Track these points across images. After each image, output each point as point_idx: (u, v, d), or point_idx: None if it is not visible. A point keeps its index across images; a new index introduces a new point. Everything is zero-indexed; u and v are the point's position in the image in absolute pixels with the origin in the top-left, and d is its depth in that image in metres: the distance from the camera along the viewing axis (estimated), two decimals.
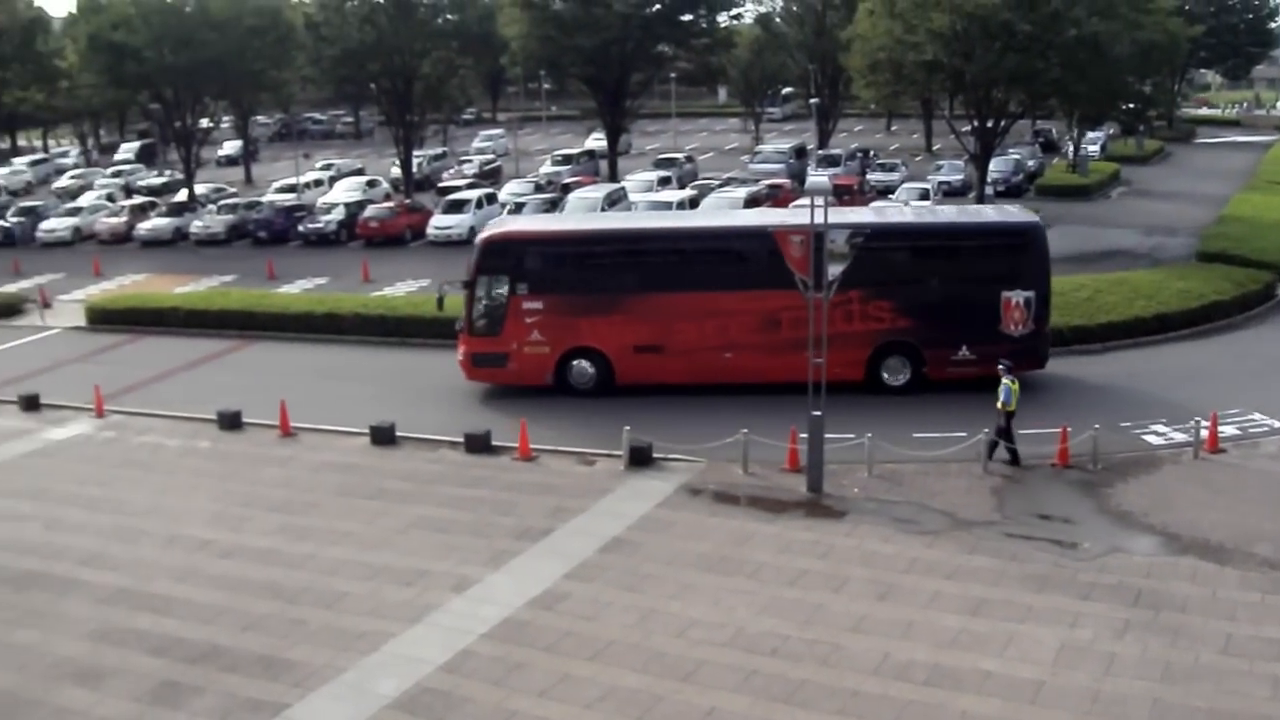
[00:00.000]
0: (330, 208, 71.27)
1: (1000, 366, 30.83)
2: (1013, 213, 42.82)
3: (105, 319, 50.79)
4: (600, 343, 37.68)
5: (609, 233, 41.79)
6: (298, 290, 54.64)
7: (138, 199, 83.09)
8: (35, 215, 78.00)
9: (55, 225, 75.49)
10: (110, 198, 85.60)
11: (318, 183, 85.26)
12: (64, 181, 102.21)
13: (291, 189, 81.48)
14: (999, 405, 30.19)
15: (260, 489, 30.44)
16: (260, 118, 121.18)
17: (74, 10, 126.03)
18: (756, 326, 36.79)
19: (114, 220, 75.11)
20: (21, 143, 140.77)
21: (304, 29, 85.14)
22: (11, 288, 59.15)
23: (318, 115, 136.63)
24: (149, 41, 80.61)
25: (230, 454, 33.59)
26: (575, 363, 37.97)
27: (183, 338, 47.08)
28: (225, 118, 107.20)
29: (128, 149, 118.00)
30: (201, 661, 21.19)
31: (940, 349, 36.66)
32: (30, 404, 39.38)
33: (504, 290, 37.85)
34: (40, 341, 49.34)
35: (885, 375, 37.16)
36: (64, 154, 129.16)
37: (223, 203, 77.15)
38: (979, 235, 38.53)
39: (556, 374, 38.04)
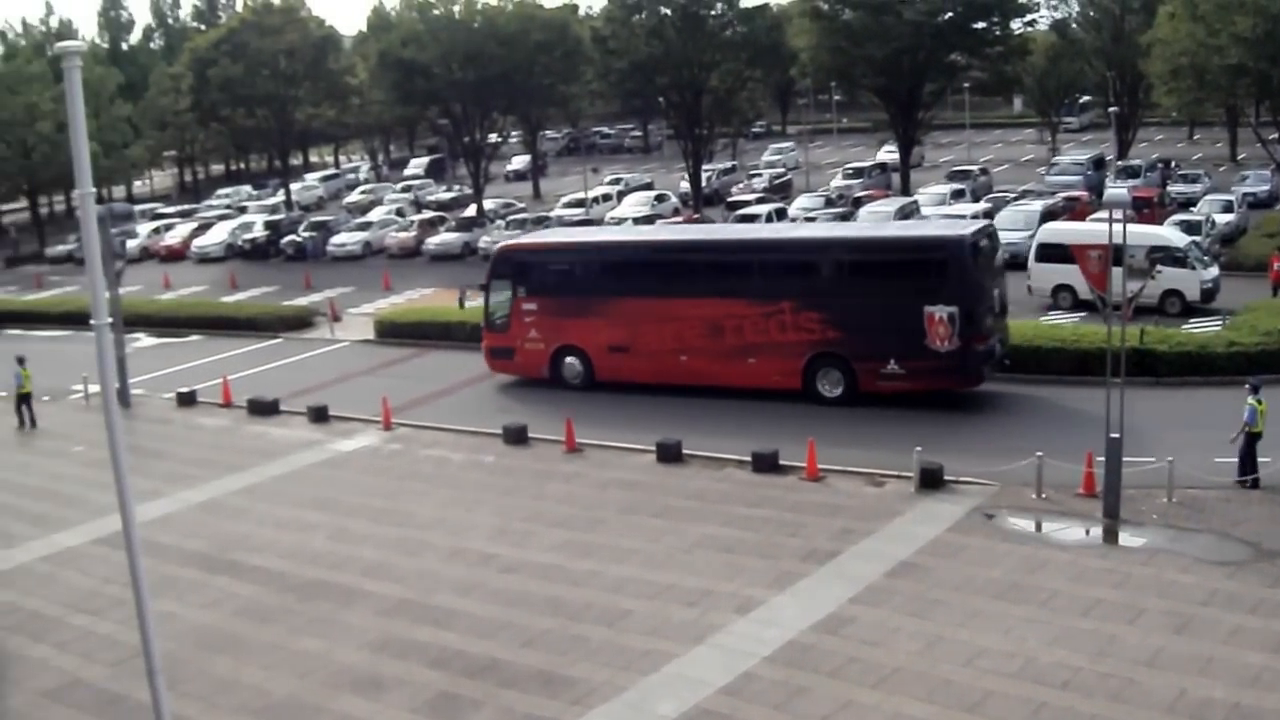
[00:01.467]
0: (618, 222, 72.17)
1: (1247, 385, 29.85)
2: (943, 226, 45.91)
3: (393, 332, 52.39)
4: (582, 342, 42.71)
5: (586, 244, 47.64)
6: None
7: (427, 214, 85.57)
8: (326, 230, 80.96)
9: (346, 240, 78.28)
10: (400, 213, 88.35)
11: (606, 197, 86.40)
12: (354, 197, 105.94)
13: (579, 204, 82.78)
14: (1244, 425, 29.14)
15: (544, 504, 30.93)
16: (548, 132, 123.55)
17: (364, 28, 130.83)
18: (704, 332, 40.28)
19: (403, 235, 77.54)
20: (313, 159, 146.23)
21: (591, 43, 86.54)
22: (302, 301, 61.43)
23: (606, 129, 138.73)
24: (437, 58, 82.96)
25: (515, 469, 34.24)
26: (566, 359, 43.05)
27: (469, 352, 48.06)
28: (514, 133, 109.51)
29: (417, 164, 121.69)
30: (480, 675, 21.61)
31: (869, 362, 37.98)
32: (319, 416, 40.83)
33: (509, 293, 43.90)
34: (329, 354, 51.11)
35: (820, 386, 39.02)
36: (354, 169, 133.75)
37: (511, 218, 78.83)
38: (901, 249, 39.97)
39: (551, 369, 43.38)
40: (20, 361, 44.23)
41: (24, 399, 43.98)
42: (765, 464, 32.09)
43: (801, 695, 20.15)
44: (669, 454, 33.58)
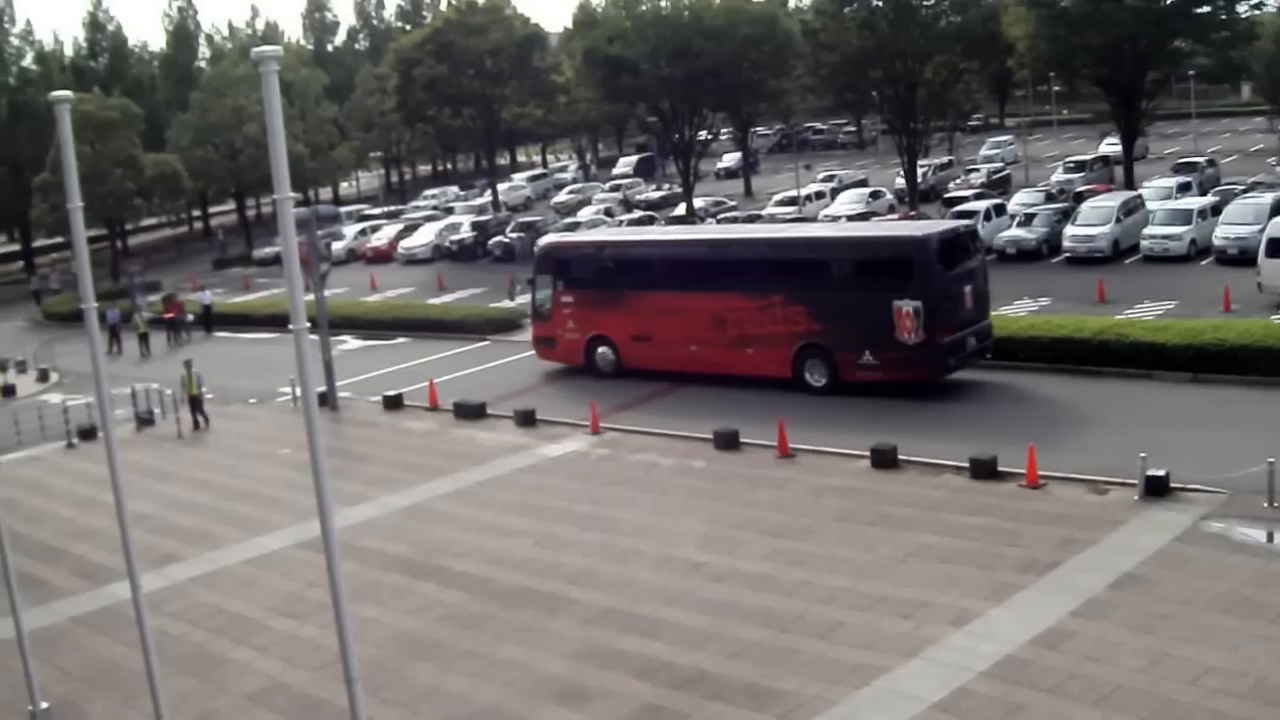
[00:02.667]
0: (834, 219, 71.80)
1: None
2: (913, 228, 48.89)
3: None
4: (611, 332, 47.31)
5: (612, 242, 54.12)
6: None
7: (636, 213, 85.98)
8: (534, 231, 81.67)
9: None
10: (609, 212, 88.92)
11: (819, 195, 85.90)
12: (562, 196, 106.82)
13: (792, 201, 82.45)
14: None
15: (755, 511, 30.82)
16: (759, 129, 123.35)
17: (569, 25, 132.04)
18: (710, 324, 44.39)
19: None
20: (520, 158, 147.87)
21: (801, 36, 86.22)
22: (509, 304, 62.07)
23: (819, 125, 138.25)
24: (644, 54, 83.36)
25: (726, 474, 34.18)
26: (599, 349, 47.69)
27: None
28: (724, 129, 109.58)
29: (626, 163, 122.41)
30: (687, 687, 21.57)
31: (848, 353, 41.52)
32: (526, 419, 41.23)
33: (550, 287, 48.97)
34: (537, 357, 51.64)
35: (807, 376, 42.70)
36: (562, 169, 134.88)
37: (722, 216, 78.88)
38: (872, 248, 43.66)
39: (585, 357, 48.18)
40: (187, 366, 46.32)
41: (194, 401, 45.94)
42: (983, 470, 31.58)
43: (1018, 713, 19.76)
44: (884, 460, 33.23)
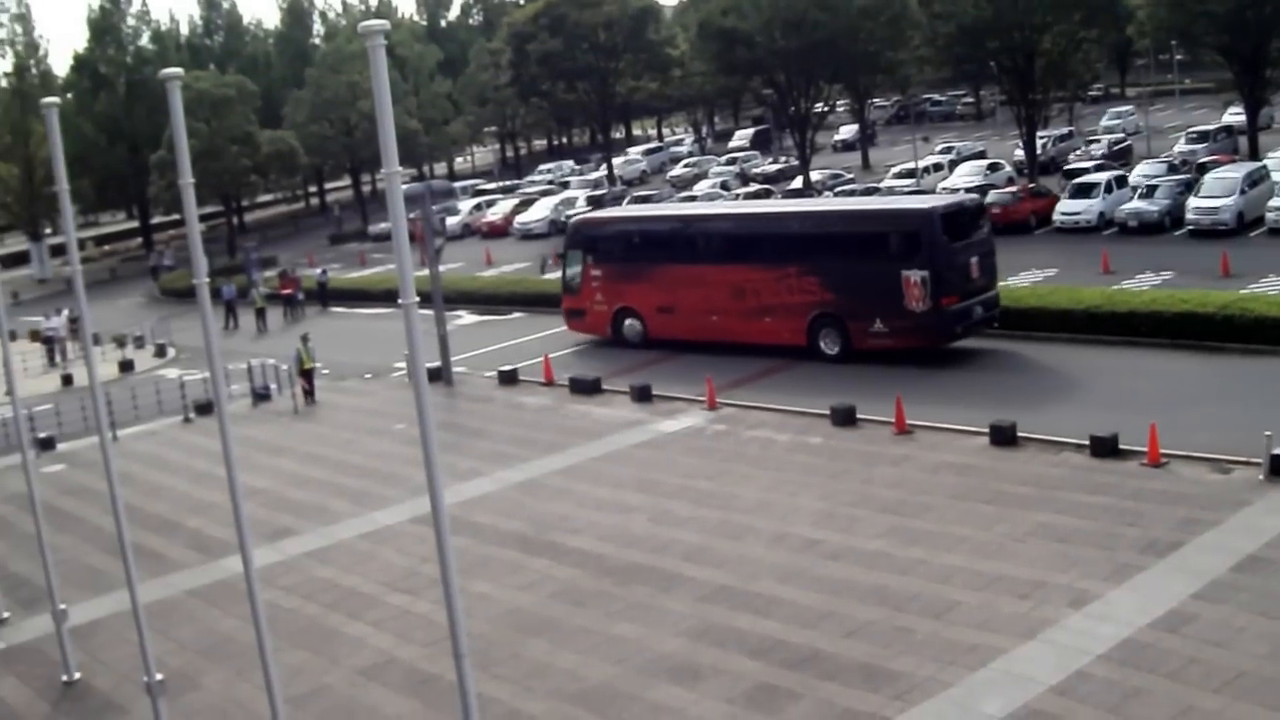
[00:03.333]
0: (950, 193, 71.26)
1: None
2: (911, 201, 53.88)
3: None
4: (637, 304, 49.83)
5: (638, 218, 57.10)
6: None
7: (753, 186, 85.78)
8: (651, 205, 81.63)
9: None
10: (725, 185, 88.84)
11: (937, 167, 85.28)
12: (678, 170, 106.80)
13: (910, 174, 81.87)
14: None
15: (872, 488, 30.66)
16: (876, 100, 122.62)
17: None
18: (729, 295, 46.72)
19: None
20: (636, 132, 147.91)
21: (918, 7, 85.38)
22: None
23: (936, 96, 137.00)
24: (759, 26, 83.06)
25: (842, 451, 34.01)
26: (626, 321, 50.33)
27: None
28: (840, 101, 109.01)
29: (742, 136, 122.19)
30: (800, 667, 21.51)
31: (859, 322, 43.71)
32: (642, 395, 41.27)
33: (580, 262, 51.42)
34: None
35: (822, 344, 44.86)
36: (678, 142, 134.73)
37: (839, 189, 78.47)
38: (882, 221, 46.01)
39: (613, 328, 50.84)
40: (303, 340, 47.03)
41: (307, 375, 46.65)
42: (1104, 448, 31.16)
43: (1137, 697, 19.50)
44: (1003, 437, 32.90)
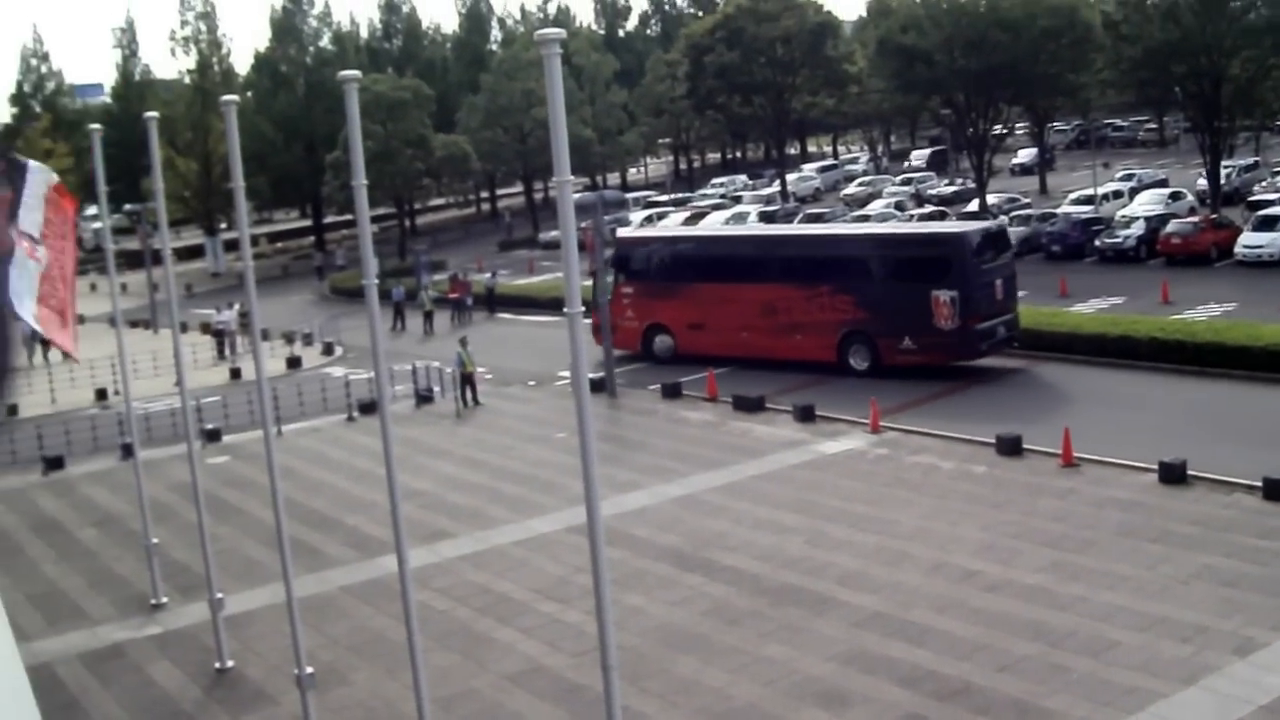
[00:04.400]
0: (1129, 221, 70.15)
1: None
2: (943, 225, 60.06)
3: None
4: (668, 320, 51.78)
5: (670, 238, 60.18)
6: (1090, 310, 54.11)
7: (928, 208, 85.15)
8: (822, 222, 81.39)
9: None
10: (899, 206, 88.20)
11: (1116, 194, 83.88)
12: (852, 189, 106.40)
13: (1088, 200, 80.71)
14: None
15: (1035, 521, 30.27)
16: (1056, 124, 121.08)
17: (864, 14, 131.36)
18: (761, 312, 48.88)
19: None
20: (811, 148, 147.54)
21: (1102, 29, 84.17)
22: None
23: (1118, 121, 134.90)
24: (938, 44, 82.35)
25: (1006, 481, 33.64)
26: (657, 337, 52.27)
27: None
28: (1019, 124, 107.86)
29: (918, 156, 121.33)
30: (952, 699, 21.29)
31: (889, 339, 46.42)
32: (805, 414, 41.16)
33: (611, 278, 52.39)
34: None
35: (851, 360, 47.38)
36: (853, 160, 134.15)
37: (1015, 213, 77.67)
38: (916, 244, 49.79)
39: (643, 344, 52.69)
40: (463, 344, 47.78)
41: (467, 379, 47.22)
42: (1278, 491, 30.54)
43: None
44: (1172, 474, 32.29)
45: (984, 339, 45.97)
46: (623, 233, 63.54)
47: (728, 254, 53.24)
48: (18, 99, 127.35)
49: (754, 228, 75.21)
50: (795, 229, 69.63)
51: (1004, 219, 60.45)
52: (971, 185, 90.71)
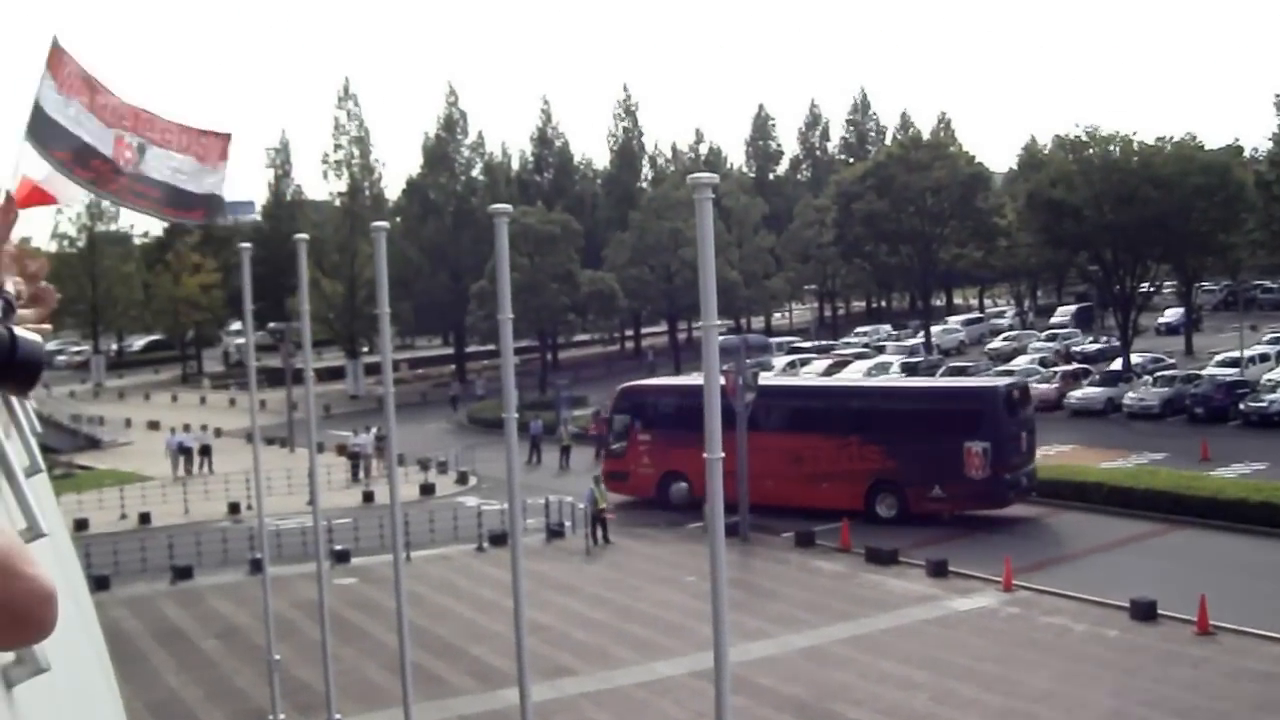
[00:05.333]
0: (1275, 385, 69.14)
1: None
2: (975, 380, 63.94)
3: None
4: (686, 467, 50.04)
5: (685, 387, 56.04)
6: (1233, 474, 53.17)
7: (1071, 365, 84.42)
8: (965, 376, 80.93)
9: None
10: (1044, 362, 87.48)
11: (1263, 357, 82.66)
12: (997, 343, 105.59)
13: (1234, 363, 79.65)
14: None
15: (1166, 689, 29.68)
16: (1204, 283, 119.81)
17: (1014, 166, 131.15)
18: (785, 460, 49.79)
19: (1045, 386, 76.67)
20: (957, 300, 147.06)
21: (1254, 188, 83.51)
22: None
23: (1267, 283, 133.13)
24: (1088, 199, 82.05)
25: (1139, 646, 33.04)
26: (675, 484, 52.16)
27: (1103, 515, 47.18)
28: (1167, 282, 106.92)
29: (1064, 312, 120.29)
30: None
31: (918, 487, 48.10)
32: (938, 569, 40.81)
33: (626, 425, 55.03)
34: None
35: (878, 508, 48.73)
36: (999, 314, 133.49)
37: (1159, 374, 76.82)
38: (949, 398, 52.99)
39: (658, 490, 53.30)
40: (597, 481, 48.91)
41: (598, 517, 47.63)
42: None
43: None
44: None
45: (1012, 487, 48.27)
46: (638, 382, 65.72)
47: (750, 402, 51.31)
48: None
49: (779, 378, 74.28)
50: (828, 381, 72.41)
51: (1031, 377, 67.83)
52: (1116, 343, 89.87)
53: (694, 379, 69.97)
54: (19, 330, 4.02)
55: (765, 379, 71.90)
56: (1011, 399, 49.83)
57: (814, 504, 49.11)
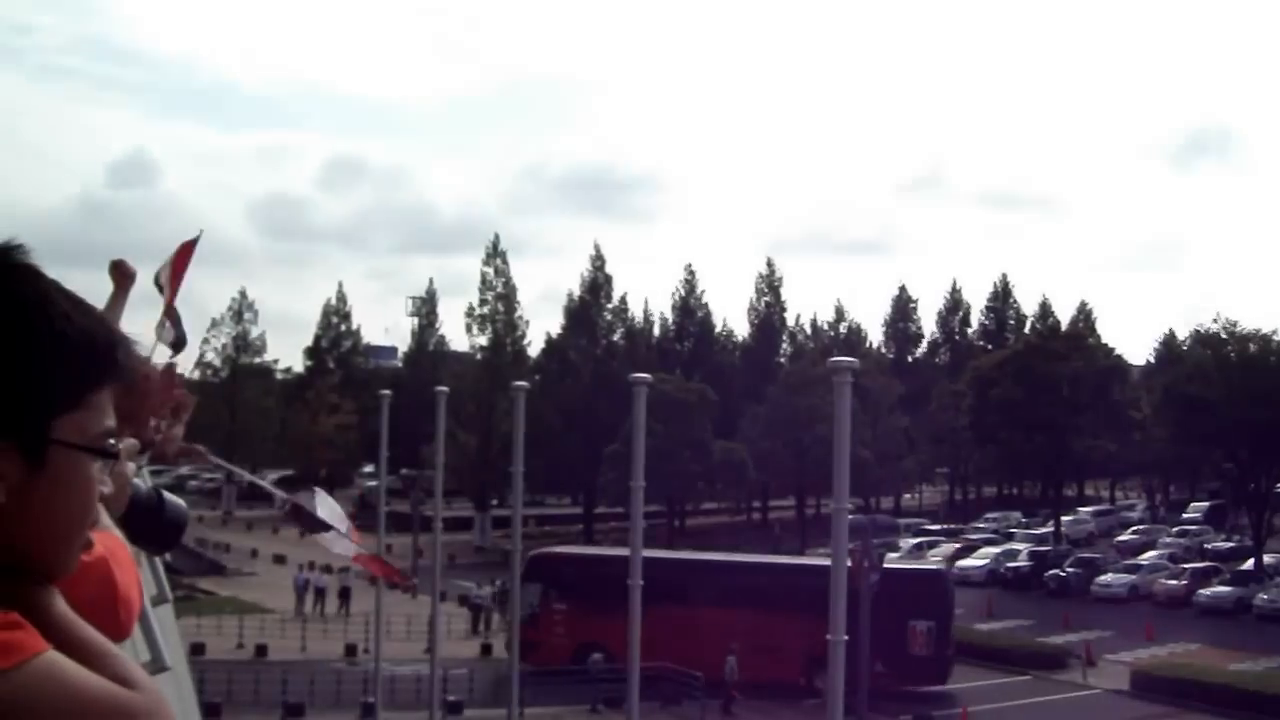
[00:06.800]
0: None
1: None
2: (923, 564, 69.33)
3: (1150, 686, 50.65)
4: (603, 638, 48.22)
5: (596, 557, 61.02)
6: None
7: (1202, 562, 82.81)
8: (1092, 568, 79.80)
9: (1111, 580, 76.93)
10: (1173, 558, 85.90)
11: None
12: (1126, 536, 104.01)
13: None
14: None
15: None
16: None
17: (1152, 359, 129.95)
18: (719, 635, 48.93)
19: (1173, 582, 75.27)
20: (1088, 490, 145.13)
21: None
22: (1057, 639, 60.43)
23: None
24: (1224, 395, 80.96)
25: None
26: (593, 655, 50.08)
27: (1228, 719, 45.87)
28: None
29: (1196, 508, 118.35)
30: None
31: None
32: None
33: (537, 594, 53.57)
34: (1078, 700, 49.89)
35: (818, 682, 43.93)
36: (1130, 507, 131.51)
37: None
38: (897, 579, 51.20)
39: (573, 660, 51.52)
40: (732, 650, 48.42)
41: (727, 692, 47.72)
42: None
43: None
44: None
45: (950, 663, 52.47)
46: (551, 550, 66.71)
47: (673, 577, 50.94)
48: (314, 352, 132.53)
49: (687, 554, 75.95)
50: (751, 558, 69.02)
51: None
52: (1249, 543, 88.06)
53: (610, 550, 70.31)
54: (168, 495, 3.94)
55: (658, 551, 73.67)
56: (949, 581, 55.68)
57: (752, 678, 49.24)
